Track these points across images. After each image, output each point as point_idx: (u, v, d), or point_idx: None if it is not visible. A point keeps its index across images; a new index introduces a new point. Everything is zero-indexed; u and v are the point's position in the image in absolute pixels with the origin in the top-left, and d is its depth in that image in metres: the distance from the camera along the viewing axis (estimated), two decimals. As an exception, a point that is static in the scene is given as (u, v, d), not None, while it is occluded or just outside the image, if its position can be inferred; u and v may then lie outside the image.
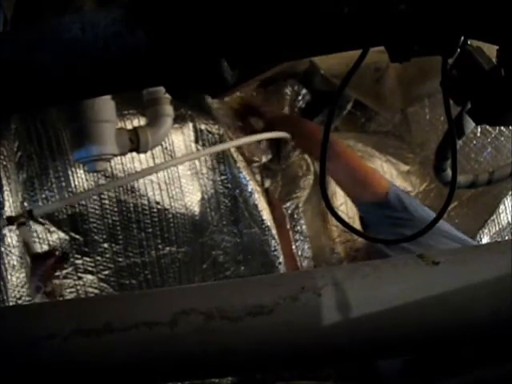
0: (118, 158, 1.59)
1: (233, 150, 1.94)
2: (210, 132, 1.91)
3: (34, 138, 1.52)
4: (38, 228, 1.54)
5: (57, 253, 1.25)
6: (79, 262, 1.62)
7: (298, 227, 2.10)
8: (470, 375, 1.00)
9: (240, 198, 1.97)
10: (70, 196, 1.60)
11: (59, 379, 0.72)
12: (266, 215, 1.99)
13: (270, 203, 1.87)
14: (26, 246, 1.31)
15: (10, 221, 1.28)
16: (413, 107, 2.11)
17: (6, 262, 1.33)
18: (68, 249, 1.59)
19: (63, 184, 1.57)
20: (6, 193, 1.41)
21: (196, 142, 1.90)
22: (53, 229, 1.56)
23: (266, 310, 0.69)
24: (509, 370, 0.94)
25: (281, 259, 1.99)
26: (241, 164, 1.96)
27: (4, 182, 1.41)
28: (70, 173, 1.58)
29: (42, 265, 1.14)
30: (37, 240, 1.53)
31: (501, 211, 1.94)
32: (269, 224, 1.98)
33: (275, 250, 1.99)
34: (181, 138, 1.86)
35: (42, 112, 1.52)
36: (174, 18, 0.64)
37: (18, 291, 1.36)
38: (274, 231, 1.98)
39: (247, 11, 0.63)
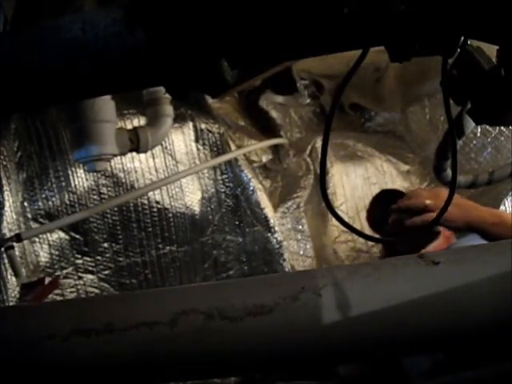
0: (118, 157, 1.59)
1: (234, 148, 1.94)
2: (210, 131, 1.91)
3: (34, 138, 1.52)
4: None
5: (46, 279, 1.25)
6: (79, 261, 1.62)
7: (300, 226, 2.10)
8: (468, 373, 1.00)
9: (242, 196, 1.97)
10: (69, 196, 1.60)
11: (59, 379, 0.72)
12: (270, 213, 1.99)
13: None
14: (14, 269, 1.32)
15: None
16: (413, 107, 2.11)
17: (6, 262, 1.33)
18: (68, 248, 1.59)
19: (63, 184, 1.57)
20: (6, 193, 1.41)
21: (196, 141, 1.90)
22: (53, 228, 1.56)
23: (266, 309, 0.69)
24: (508, 369, 0.94)
25: (285, 256, 1.99)
26: (242, 162, 1.96)
27: (4, 181, 1.41)
28: (69, 173, 1.58)
29: (30, 293, 1.14)
30: (37, 240, 1.53)
31: (501, 211, 1.94)
32: (272, 221, 1.98)
33: (279, 247, 1.99)
34: (181, 138, 1.86)
35: (42, 112, 1.52)
36: (174, 18, 0.64)
37: (18, 291, 1.36)
38: (277, 228, 1.98)
39: (247, 11, 0.63)
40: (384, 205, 1.63)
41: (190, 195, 1.86)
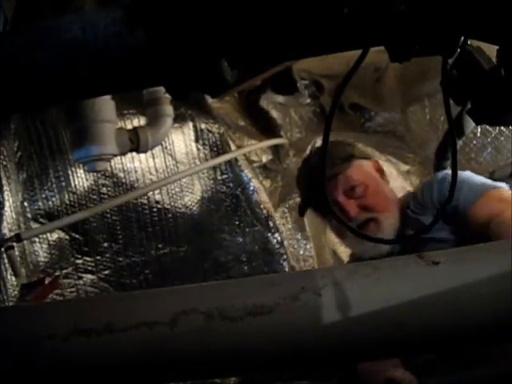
0: (118, 157, 1.59)
1: (234, 148, 1.94)
2: (210, 131, 1.92)
3: (34, 138, 1.52)
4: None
5: (46, 279, 1.25)
6: (79, 261, 1.62)
7: (300, 226, 2.10)
8: (468, 373, 1.00)
9: (242, 196, 1.97)
10: (69, 195, 1.60)
11: (59, 379, 0.72)
12: (270, 213, 2.00)
13: None
14: (14, 269, 1.32)
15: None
16: (413, 107, 2.11)
17: (6, 262, 1.33)
18: (68, 248, 1.60)
19: (63, 184, 1.57)
20: (6, 193, 1.41)
21: (196, 141, 1.90)
22: (53, 228, 1.56)
23: (266, 309, 0.69)
24: (508, 369, 0.94)
25: (285, 256, 1.99)
26: (242, 162, 1.97)
27: (4, 181, 1.41)
28: (69, 173, 1.58)
29: (30, 293, 1.14)
30: (37, 240, 1.53)
31: (501, 211, 1.94)
32: (272, 221, 1.98)
33: (280, 247, 1.99)
34: (181, 138, 1.87)
35: (42, 112, 1.52)
36: (174, 18, 0.64)
37: (18, 291, 1.36)
38: (277, 228, 1.99)
39: (247, 12, 0.63)
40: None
41: (190, 195, 1.86)
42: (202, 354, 0.70)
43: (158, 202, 1.77)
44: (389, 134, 2.32)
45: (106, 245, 1.66)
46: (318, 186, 1.24)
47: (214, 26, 0.64)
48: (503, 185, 1.28)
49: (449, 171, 1.33)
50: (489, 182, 1.29)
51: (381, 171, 1.46)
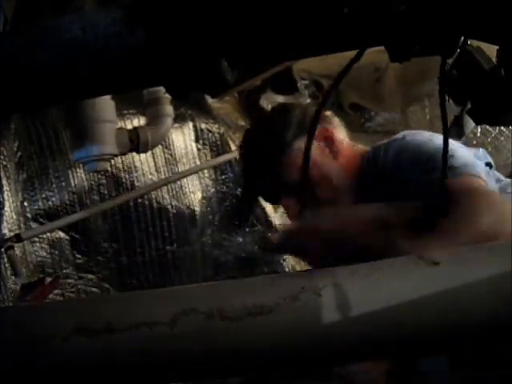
0: (118, 157, 1.59)
1: (234, 148, 1.94)
2: (210, 131, 1.92)
3: (34, 138, 1.52)
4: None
5: (46, 280, 1.26)
6: (80, 261, 1.62)
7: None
8: (468, 373, 1.00)
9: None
10: (69, 195, 1.60)
11: (59, 379, 0.72)
12: (270, 213, 2.00)
13: None
14: (14, 269, 1.32)
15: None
16: (413, 107, 2.12)
17: (6, 262, 1.33)
18: (68, 248, 1.60)
19: (63, 184, 1.58)
20: (6, 193, 1.41)
21: (196, 141, 1.90)
22: (53, 228, 1.56)
23: (266, 309, 0.69)
24: (508, 370, 0.94)
25: (285, 256, 1.99)
26: (242, 163, 1.97)
27: (4, 181, 1.41)
28: (69, 173, 1.58)
29: (30, 293, 1.14)
30: (37, 240, 1.53)
31: (501, 211, 1.94)
32: (272, 221, 1.98)
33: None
34: (181, 138, 1.87)
35: (42, 112, 1.52)
36: (174, 18, 0.64)
37: (18, 291, 1.36)
38: (277, 228, 1.99)
39: (247, 12, 0.63)
40: None
41: (191, 195, 1.86)
42: (201, 354, 0.70)
43: (158, 202, 1.77)
44: (389, 134, 2.31)
45: (106, 245, 1.66)
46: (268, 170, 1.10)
47: (213, 26, 0.64)
48: (482, 167, 1.12)
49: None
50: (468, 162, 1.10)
51: (329, 139, 1.17)
